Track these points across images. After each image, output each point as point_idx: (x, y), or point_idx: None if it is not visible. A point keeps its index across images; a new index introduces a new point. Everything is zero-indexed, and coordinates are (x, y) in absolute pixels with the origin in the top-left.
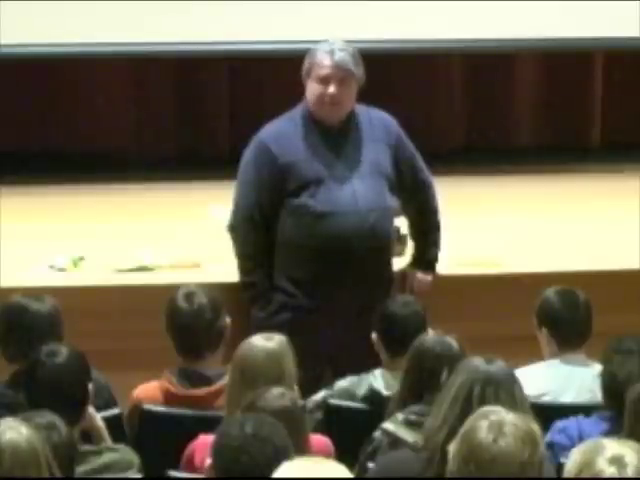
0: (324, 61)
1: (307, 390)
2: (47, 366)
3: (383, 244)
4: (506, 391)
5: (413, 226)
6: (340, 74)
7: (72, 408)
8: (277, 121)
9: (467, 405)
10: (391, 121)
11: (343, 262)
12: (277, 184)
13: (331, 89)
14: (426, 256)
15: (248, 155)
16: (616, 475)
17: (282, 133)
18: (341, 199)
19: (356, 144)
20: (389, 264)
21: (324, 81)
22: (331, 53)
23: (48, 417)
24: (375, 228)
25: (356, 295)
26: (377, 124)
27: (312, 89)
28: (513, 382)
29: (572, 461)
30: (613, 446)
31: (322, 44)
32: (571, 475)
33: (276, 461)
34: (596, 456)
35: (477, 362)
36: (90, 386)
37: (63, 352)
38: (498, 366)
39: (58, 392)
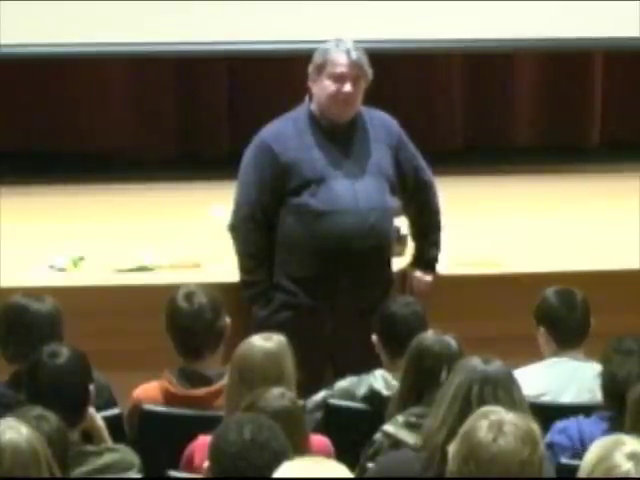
0: (340, 59)
1: (307, 390)
2: (48, 367)
3: (383, 244)
4: (504, 390)
5: (414, 226)
6: (355, 73)
7: (73, 409)
8: (278, 121)
9: (466, 405)
10: (392, 122)
11: (343, 261)
12: (278, 183)
13: (347, 87)
14: (426, 256)
15: (249, 154)
16: (632, 471)
17: (283, 132)
18: (342, 198)
19: (357, 144)
20: (389, 264)
21: (339, 79)
22: (347, 52)
23: (38, 410)
24: (375, 228)
25: (356, 294)
26: (378, 125)
27: (324, 87)
28: (511, 381)
29: (591, 452)
30: (632, 442)
31: (334, 43)
32: (588, 467)
33: (275, 465)
34: (614, 450)
35: (475, 362)
36: (91, 387)
37: (64, 353)
38: (496, 366)
39: (59, 393)
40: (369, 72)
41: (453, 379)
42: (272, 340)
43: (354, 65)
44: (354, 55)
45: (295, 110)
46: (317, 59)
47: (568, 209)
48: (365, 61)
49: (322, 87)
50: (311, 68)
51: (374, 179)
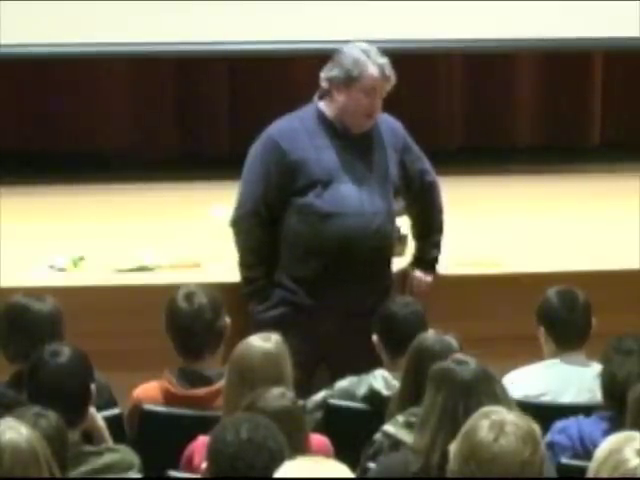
0: (375, 74)
1: (300, 387)
2: (50, 366)
3: (386, 246)
4: (488, 396)
5: (417, 226)
6: (384, 87)
7: (74, 408)
8: (287, 118)
9: (454, 423)
10: (397, 124)
11: (346, 263)
12: (284, 181)
13: (377, 102)
14: (428, 256)
15: (255, 150)
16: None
17: (292, 130)
18: (347, 201)
19: (365, 148)
20: (389, 265)
21: (371, 94)
22: (382, 67)
23: (37, 408)
24: (380, 231)
25: (356, 296)
26: (385, 128)
27: (355, 99)
28: (491, 382)
29: (602, 447)
30: None
31: (362, 52)
32: (597, 461)
33: (272, 464)
34: (625, 445)
35: (453, 372)
36: (93, 387)
37: (66, 352)
38: (473, 371)
39: (60, 392)
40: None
41: (436, 396)
42: (271, 341)
43: (386, 80)
44: (388, 71)
45: (302, 109)
46: (350, 70)
47: (568, 209)
48: (394, 73)
49: (352, 99)
50: (337, 73)
51: (380, 183)
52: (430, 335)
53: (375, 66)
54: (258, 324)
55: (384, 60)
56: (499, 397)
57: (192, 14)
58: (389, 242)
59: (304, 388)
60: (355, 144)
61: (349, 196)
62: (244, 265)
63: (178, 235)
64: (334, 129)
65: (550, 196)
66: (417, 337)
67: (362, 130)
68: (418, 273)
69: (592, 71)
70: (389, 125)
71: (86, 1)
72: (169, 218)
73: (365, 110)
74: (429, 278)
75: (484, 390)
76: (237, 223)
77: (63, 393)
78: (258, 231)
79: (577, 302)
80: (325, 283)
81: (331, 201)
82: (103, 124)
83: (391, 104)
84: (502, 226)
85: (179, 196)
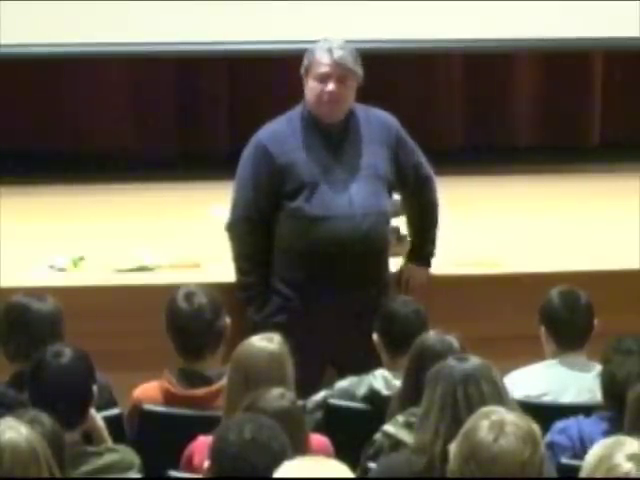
0: (323, 59)
1: (305, 391)
2: (52, 367)
3: (377, 248)
4: (487, 383)
5: (413, 221)
6: (339, 72)
7: (76, 409)
8: (276, 121)
9: (456, 411)
10: (390, 120)
11: (337, 266)
12: (274, 185)
13: (330, 87)
14: (424, 251)
15: (246, 155)
16: (632, 472)
17: (280, 133)
18: (336, 203)
19: (354, 146)
20: (384, 266)
21: (323, 79)
22: (330, 51)
23: (32, 413)
24: (369, 233)
25: (349, 298)
26: (376, 124)
27: (311, 87)
28: (491, 373)
29: (592, 453)
30: (634, 444)
31: (320, 42)
32: (588, 468)
33: (275, 465)
34: (616, 451)
35: (451, 365)
36: (94, 387)
37: (68, 353)
38: (472, 363)
39: (62, 392)
40: (357, 70)
41: (435, 389)
42: (274, 341)
43: (337, 64)
44: (337, 54)
45: (292, 110)
46: (304, 60)
47: (568, 209)
48: (350, 60)
49: (309, 88)
50: (301, 69)
51: (369, 182)
52: (432, 335)
53: (324, 51)
54: (257, 331)
55: (337, 44)
56: (499, 386)
57: (192, 14)
58: (381, 243)
59: (311, 390)
60: (342, 143)
61: (337, 198)
62: (239, 271)
63: (178, 235)
64: (317, 128)
65: (550, 196)
66: (419, 337)
67: (331, 119)
68: (414, 267)
69: (592, 71)
70: (381, 120)
71: (86, 1)
72: (169, 218)
73: (320, 96)
74: (425, 272)
75: (484, 376)
76: (230, 229)
77: (65, 394)
78: (251, 237)
79: (579, 303)
80: (317, 286)
81: (319, 204)
82: (103, 124)
83: (391, 104)
84: (502, 226)
85: (178, 196)
